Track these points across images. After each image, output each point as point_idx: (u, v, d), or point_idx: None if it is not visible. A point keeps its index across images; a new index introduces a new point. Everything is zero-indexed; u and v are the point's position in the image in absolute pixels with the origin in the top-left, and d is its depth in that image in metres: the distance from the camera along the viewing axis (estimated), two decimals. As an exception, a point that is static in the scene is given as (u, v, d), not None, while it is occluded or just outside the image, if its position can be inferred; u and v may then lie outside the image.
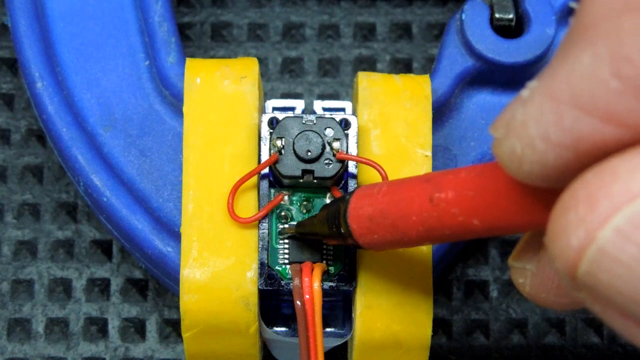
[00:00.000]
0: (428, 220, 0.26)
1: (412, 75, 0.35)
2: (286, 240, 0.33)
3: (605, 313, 0.22)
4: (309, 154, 0.32)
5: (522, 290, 0.27)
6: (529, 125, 0.21)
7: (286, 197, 0.33)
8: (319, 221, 0.31)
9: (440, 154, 0.34)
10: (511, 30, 0.36)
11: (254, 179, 0.33)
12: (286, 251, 0.32)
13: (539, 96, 0.21)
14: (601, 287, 0.21)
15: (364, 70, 0.39)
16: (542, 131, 0.21)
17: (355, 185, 0.33)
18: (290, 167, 0.32)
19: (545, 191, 0.23)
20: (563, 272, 0.21)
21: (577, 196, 0.21)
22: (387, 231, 0.27)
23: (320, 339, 0.31)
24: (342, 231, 0.29)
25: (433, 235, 0.26)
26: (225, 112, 0.33)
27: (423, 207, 0.26)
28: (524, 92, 0.22)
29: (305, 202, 0.33)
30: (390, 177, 0.32)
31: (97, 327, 0.38)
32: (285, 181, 0.32)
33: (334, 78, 0.41)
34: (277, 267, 0.32)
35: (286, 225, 0.33)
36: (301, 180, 0.32)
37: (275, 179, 0.33)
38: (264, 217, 0.32)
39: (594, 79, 0.20)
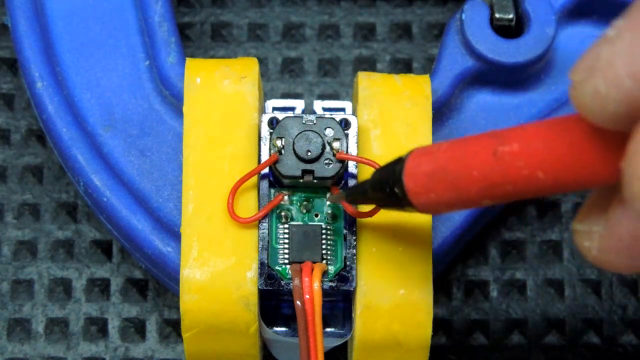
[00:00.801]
0: (490, 174, 0.25)
1: (412, 75, 0.35)
2: (286, 240, 0.33)
3: None
4: (309, 154, 0.32)
5: (588, 255, 0.26)
6: (616, 63, 0.21)
7: (286, 197, 0.33)
8: (371, 184, 0.30)
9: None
10: (511, 30, 0.36)
11: (254, 179, 0.33)
12: (286, 251, 0.32)
13: (627, 32, 0.21)
14: None
15: (364, 70, 0.39)
16: (630, 68, 0.21)
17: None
18: (290, 167, 0.32)
19: (618, 138, 0.22)
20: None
21: None
22: (446, 188, 0.27)
23: (320, 339, 0.31)
24: (396, 191, 0.28)
25: (494, 192, 0.25)
26: (225, 112, 0.33)
27: (486, 161, 0.25)
28: (610, 31, 0.21)
29: (305, 202, 0.33)
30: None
31: (97, 327, 0.38)
32: (285, 181, 0.32)
33: (334, 78, 0.41)
34: (277, 267, 0.32)
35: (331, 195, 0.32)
36: (301, 180, 0.32)
37: (275, 179, 0.33)
38: (264, 217, 0.32)
39: None
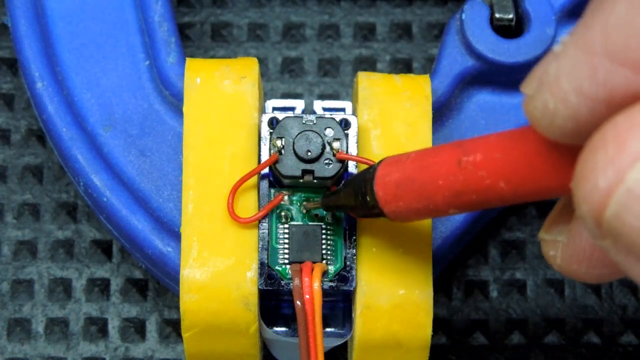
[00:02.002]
0: (455, 184, 0.26)
1: (412, 75, 0.35)
2: (286, 240, 0.33)
3: (629, 263, 0.21)
4: (309, 154, 0.32)
5: (553, 264, 0.27)
6: (562, 79, 0.21)
7: (286, 197, 0.33)
8: (344, 192, 0.31)
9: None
10: (511, 30, 0.36)
11: (254, 179, 0.33)
12: (286, 251, 0.32)
13: (572, 49, 0.21)
14: (627, 232, 0.20)
15: (364, 70, 0.39)
16: (575, 85, 0.21)
17: (355, 185, 0.33)
18: (290, 167, 0.32)
19: (573, 151, 0.22)
20: (589, 217, 0.21)
21: (606, 137, 0.20)
22: (414, 197, 0.27)
23: (320, 339, 0.31)
24: (368, 199, 0.29)
25: (459, 200, 0.26)
26: (225, 112, 0.33)
27: (451, 170, 0.26)
28: (557, 47, 0.22)
29: (305, 202, 0.33)
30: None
31: (97, 327, 0.38)
32: (285, 181, 0.32)
33: (334, 78, 0.41)
34: (277, 267, 0.32)
35: (308, 202, 0.33)
36: (301, 180, 0.32)
37: (275, 179, 0.33)
38: (264, 217, 0.32)
39: (630, 29, 0.20)
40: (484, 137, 0.25)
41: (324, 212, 0.33)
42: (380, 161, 0.29)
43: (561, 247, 0.26)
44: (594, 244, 0.25)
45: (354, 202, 0.30)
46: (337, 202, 0.31)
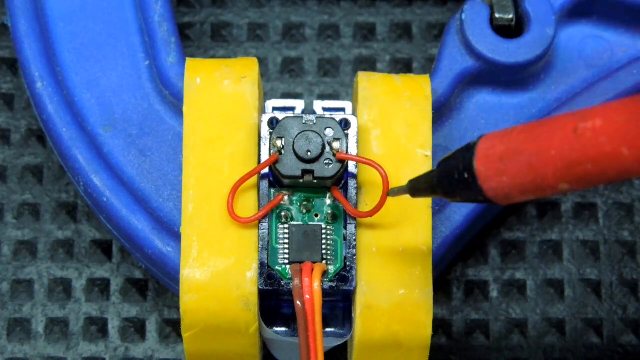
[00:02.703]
0: (570, 153, 0.24)
1: (412, 75, 0.35)
2: (286, 240, 0.33)
3: None
4: (309, 154, 0.32)
5: None
6: None
7: (286, 197, 0.33)
8: (438, 174, 0.29)
9: (441, 154, 0.34)
10: (511, 30, 0.36)
11: (254, 179, 0.33)
12: (286, 251, 0.32)
13: None
14: None
15: (364, 70, 0.39)
16: None
17: (356, 185, 0.33)
18: (290, 167, 0.32)
19: None
20: None
21: None
22: (520, 171, 0.25)
23: (320, 339, 0.31)
24: (466, 177, 0.27)
25: (573, 172, 0.24)
26: (225, 112, 0.33)
27: (565, 139, 0.24)
28: None
29: (305, 202, 0.33)
30: (390, 178, 0.32)
31: (97, 327, 0.38)
32: (285, 181, 0.32)
33: (334, 78, 0.41)
34: (277, 267, 0.32)
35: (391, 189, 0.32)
36: (301, 181, 0.32)
37: (275, 179, 0.33)
38: (264, 217, 0.32)
39: None
40: (601, 105, 0.24)
41: (324, 212, 0.33)
42: (480, 137, 0.27)
43: None
44: None
45: (448, 184, 0.28)
46: (430, 186, 0.29)
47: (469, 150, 0.27)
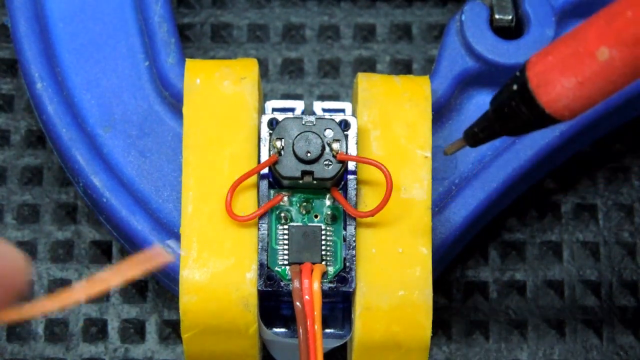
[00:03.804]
0: (609, 24, 0.24)
1: (411, 76, 0.35)
2: (286, 241, 0.32)
3: None
4: (309, 155, 0.32)
5: None
6: None
7: (286, 198, 0.33)
8: (493, 109, 0.27)
9: (440, 154, 0.34)
10: (511, 31, 0.36)
11: (254, 180, 0.33)
12: (286, 252, 0.32)
13: None
14: None
15: (364, 71, 0.39)
16: None
17: (355, 186, 0.33)
18: (290, 168, 0.32)
19: None
20: None
21: None
22: (571, 56, 0.24)
23: (320, 341, 0.31)
24: (522, 97, 0.25)
25: (613, 28, 0.24)
26: (225, 113, 0.33)
27: (602, 21, 0.24)
28: None
29: (305, 203, 0.33)
30: (390, 178, 0.32)
31: (97, 328, 0.38)
32: (285, 182, 0.32)
33: (334, 79, 0.41)
34: (276, 268, 0.32)
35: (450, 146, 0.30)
36: (301, 182, 0.32)
37: (275, 179, 0.33)
38: (263, 218, 0.32)
39: None
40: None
41: (324, 213, 0.33)
42: (525, 62, 0.26)
43: None
44: None
45: (506, 115, 0.26)
46: (488, 122, 0.27)
47: (520, 73, 0.26)
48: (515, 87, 0.26)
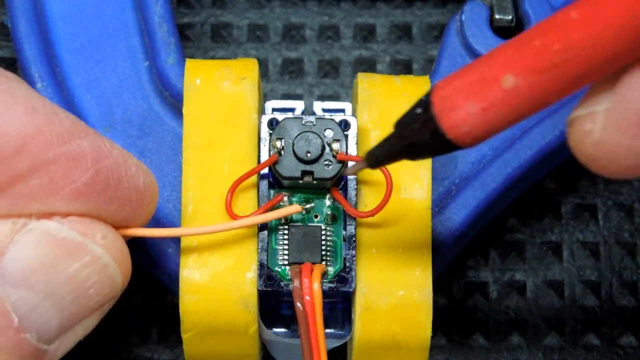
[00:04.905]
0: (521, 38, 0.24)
1: (412, 76, 0.35)
2: (286, 241, 0.33)
3: None
4: (309, 155, 0.32)
5: (587, 142, 0.24)
6: None
7: (285, 198, 0.33)
8: (395, 128, 0.27)
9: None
10: (511, 31, 0.36)
11: (254, 180, 0.33)
12: (286, 252, 0.32)
13: None
14: None
15: (364, 71, 0.39)
16: None
17: (355, 186, 0.33)
18: (290, 168, 0.32)
19: None
20: None
21: None
22: (476, 81, 0.24)
23: (322, 340, 0.31)
24: (424, 119, 0.25)
25: (520, 56, 0.24)
26: (225, 113, 0.33)
27: (514, 45, 0.24)
28: None
29: (304, 203, 0.33)
30: (390, 178, 0.32)
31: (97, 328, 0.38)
32: (285, 182, 0.32)
33: (334, 79, 0.41)
34: (276, 268, 0.32)
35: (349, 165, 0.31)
36: (301, 182, 0.32)
37: (275, 179, 0.33)
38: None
39: None
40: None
41: (324, 213, 0.33)
42: (432, 87, 0.26)
43: (602, 115, 0.24)
44: None
45: (408, 135, 0.26)
46: (389, 144, 0.27)
47: (425, 97, 0.26)
48: (419, 110, 0.26)
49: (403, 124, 0.26)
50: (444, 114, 0.25)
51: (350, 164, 0.32)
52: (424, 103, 0.25)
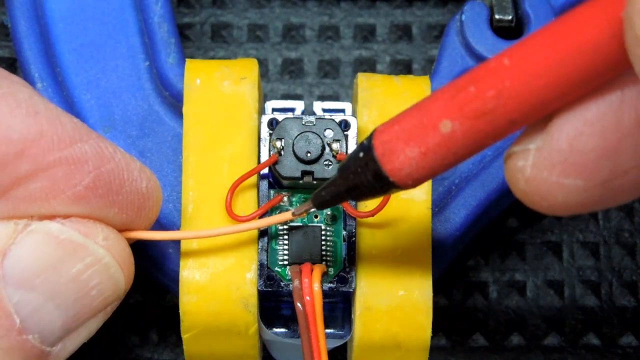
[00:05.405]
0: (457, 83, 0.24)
1: (411, 76, 0.35)
2: (286, 241, 0.33)
3: None
4: (309, 155, 0.32)
5: (520, 179, 0.25)
6: None
7: (285, 198, 0.33)
8: (339, 171, 0.28)
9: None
10: (511, 31, 0.36)
11: (254, 180, 0.33)
12: (286, 252, 0.32)
13: None
14: None
15: (364, 71, 0.39)
16: None
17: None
18: (290, 168, 0.32)
19: None
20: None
21: None
22: (415, 128, 0.25)
23: (322, 340, 0.31)
24: (366, 162, 0.26)
25: (457, 100, 0.25)
26: (225, 113, 0.33)
27: (451, 88, 0.25)
28: None
29: (294, 210, 0.33)
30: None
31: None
32: (285, 182, 0.32)
33: (334, 79, 0.41)
34: (276, 268, 0.32)
35: (290, 209, 0.32)
36: (301, 182, 0.32)
37: (275, 180, 0.33)
38: (263, 217, 0.32)
39: None
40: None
41: (324, 213, 0.33)
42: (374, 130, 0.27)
43: (533, 153, 0.25)
44: (572, 142, 0.24)
45: (353, 178, 0.27)
46: (333, 187, 0.28)
47: (367, 141, 0.27)
48: (361, 154, 0.27)
49: (346, 168, 0.27)
50: (385, 157, 0.26)
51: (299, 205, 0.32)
52: (366, 147, 0.26)
